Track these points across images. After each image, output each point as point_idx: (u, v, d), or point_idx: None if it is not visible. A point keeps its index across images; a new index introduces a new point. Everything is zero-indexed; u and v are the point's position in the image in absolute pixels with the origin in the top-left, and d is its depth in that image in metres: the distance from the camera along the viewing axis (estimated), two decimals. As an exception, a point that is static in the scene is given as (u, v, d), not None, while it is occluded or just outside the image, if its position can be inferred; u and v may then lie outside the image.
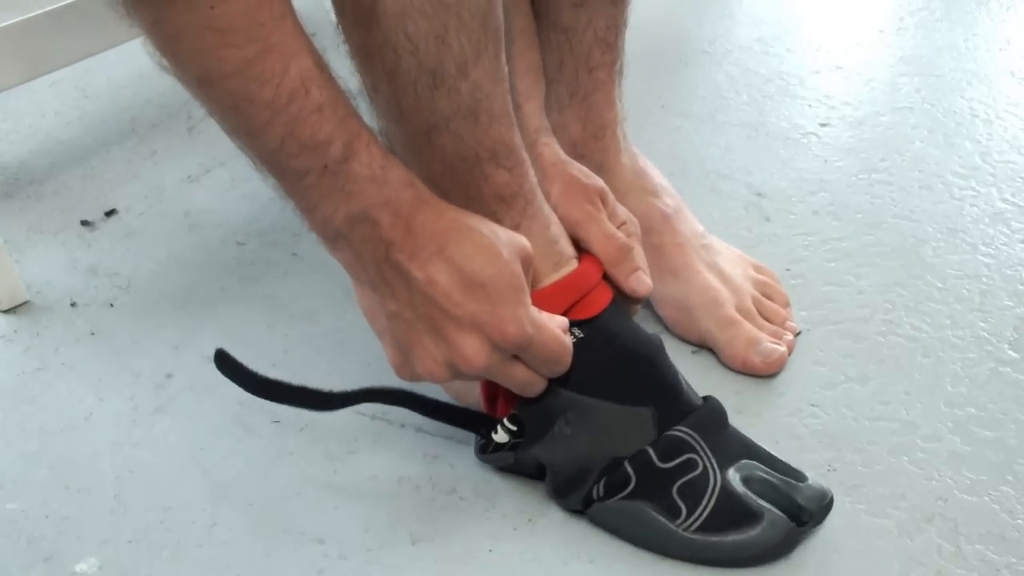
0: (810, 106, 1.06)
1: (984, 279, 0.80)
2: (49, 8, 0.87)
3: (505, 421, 0.61)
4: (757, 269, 0.78)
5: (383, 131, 0.57)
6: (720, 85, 1.11)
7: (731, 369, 0.72)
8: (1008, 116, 1.02)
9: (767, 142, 1.00)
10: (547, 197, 0.64)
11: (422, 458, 0.66)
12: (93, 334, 0.79)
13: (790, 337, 0.73)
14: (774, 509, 0.58)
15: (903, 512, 0.61)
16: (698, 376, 0.71)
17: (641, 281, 0.64)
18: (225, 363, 0.61)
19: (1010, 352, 0.73)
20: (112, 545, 0.62)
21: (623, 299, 0.65)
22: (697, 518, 0.58)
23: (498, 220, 0.58)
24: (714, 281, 0.74)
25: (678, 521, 0.58)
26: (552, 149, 0.69)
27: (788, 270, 0.81)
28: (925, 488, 0.63)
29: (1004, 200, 0.89)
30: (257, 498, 0.64)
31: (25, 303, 0.82)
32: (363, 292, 0.58)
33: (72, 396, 0.73)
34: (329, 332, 0.75)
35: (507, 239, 0.56)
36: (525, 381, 0.58)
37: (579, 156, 0.76)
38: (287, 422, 0.70)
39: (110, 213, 0.93)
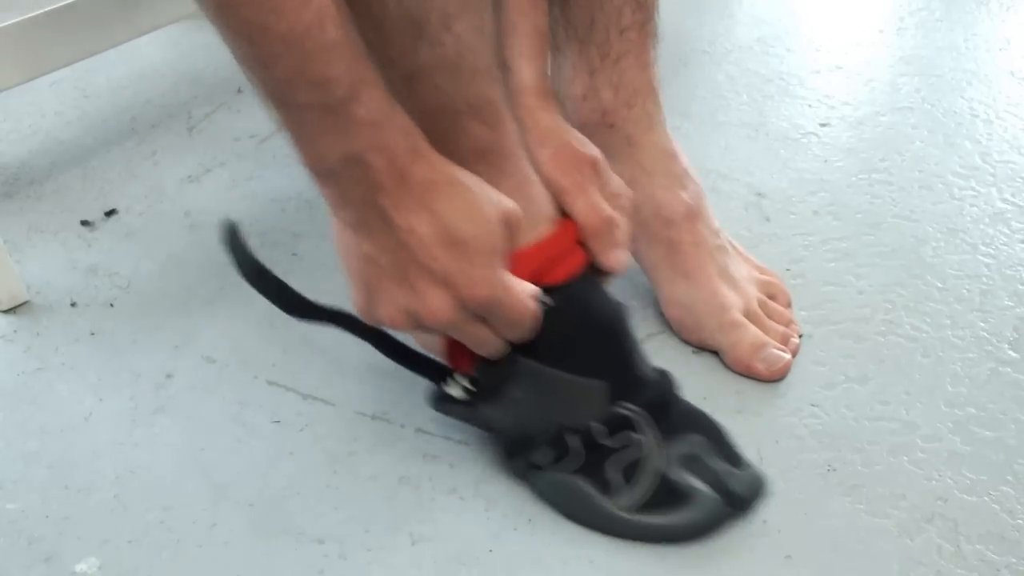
0: (810, 106, 1.06)
1: (984, 279, 0.80)
2: (49, 8, 0.87)
3: (460, 377, 0.62)
4: (760, 270, 0.78)
5: None
6: (720, 85, 1.11)
7: (735, 373, 0.72)
8: (1008, 116, 1.02)
9: (767, 142, 1.00)
10: (537, 163, 0.64)
11: (422, 458, 0.66)
12: (93, 334, 0.79)
13: (796, 340, 0.73)
14: (708, 492, 0.59)
15: (903, 512, 0.61)
16: (699, 376, 0.72)
17: (618, 259, 0.64)
18: (232, 241, 0.61)
19: (1010, 352, 0.73)
20: (112, 545, 0.62)
21: (597, 270, 0.64)
22: (631, 496, 0.60)
23: (477, 173, 0.58)
24: (723, 287, 0.73)
25: (611, 498, 0.60)
26: (551, 115, 0.67)
27: (788, 270, 0.81)
28: (925, 488, 0.63)
29: (1004, 200, 0.89)
30: (257, 498, 0.64)
31: (25, 303, 0.82)
32: (341, 230, 0.57)
33: (72, 396, 0.73)
34: (329, 332, 0.75)
35: (496, 201, 0.56)
36: (485, 341, 0.59)
37: (608, 126, 0.74)
38: (287, 422, 0.70)
39: (110, 213, 0.93)
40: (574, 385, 0.61)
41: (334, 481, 0.65)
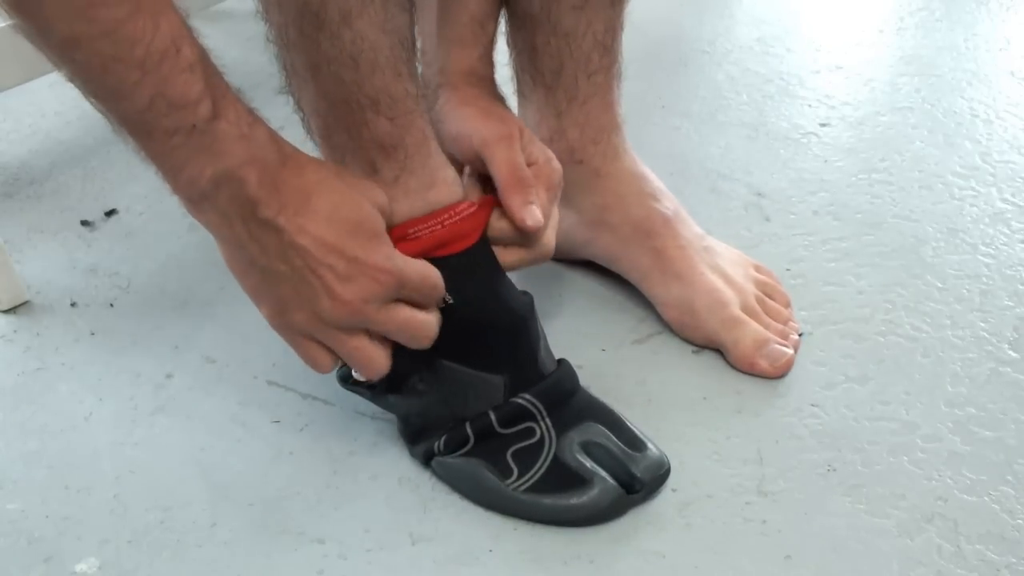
0: (810, 106, 1.06)
1: (984, 279, 0.80)
2: (49, 8, 0.87)
3: None
4: (757, 269, 0.78)
5: (279, 57, 0.59)
6: (720, 85, 1.11)
7: (738, 370, 0.72)
8: (1008, 116, 1.02)
9: (767, 142, 1.00)
10: (461, 118, 0.64)
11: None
12: (93, 334, 0.79)
13: (796, 337, 0.73)
14: (606, 476, 0.61)
15: (903, 512, 0.61)
16: (699, 376, 0.72)
17: (532, 214, 0.63)
18: None
19: (1010, 352, 0.73)
20: (112, 545, 0.62)
21: (515, 237, 0.64)
22: (528, 480, 0.61)
23: (376, 169, 0.60)
24: (718, 282, 0.74)
25: (508, 481, 0.61)
26: (478, 89, 0.68)
27: (788, 270, 0.81)
28: (925, 488, 0.63)
29: (1004, 200, 0.89)
30: (257, 498, 0.64)
31: (25, 303, 0.82)
32: (230, 252, 0.58)
33: (72, 396, 0.73)
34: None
35: (362, 189, 0.57)
36: (409, 321, 0.59)
37: (577, 162, 0.75)
38: (287, 422, 0.70)
39: (110, 213, 0.93)
40: (475, 380, 0.63)
41: (334, 481, 0.65)
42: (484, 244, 0.63)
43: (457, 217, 0.61)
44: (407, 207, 0.60)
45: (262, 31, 0.59)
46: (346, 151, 0.60)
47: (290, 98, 0.61)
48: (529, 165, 0.64)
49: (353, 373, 0.65)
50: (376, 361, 0.60)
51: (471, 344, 0.62)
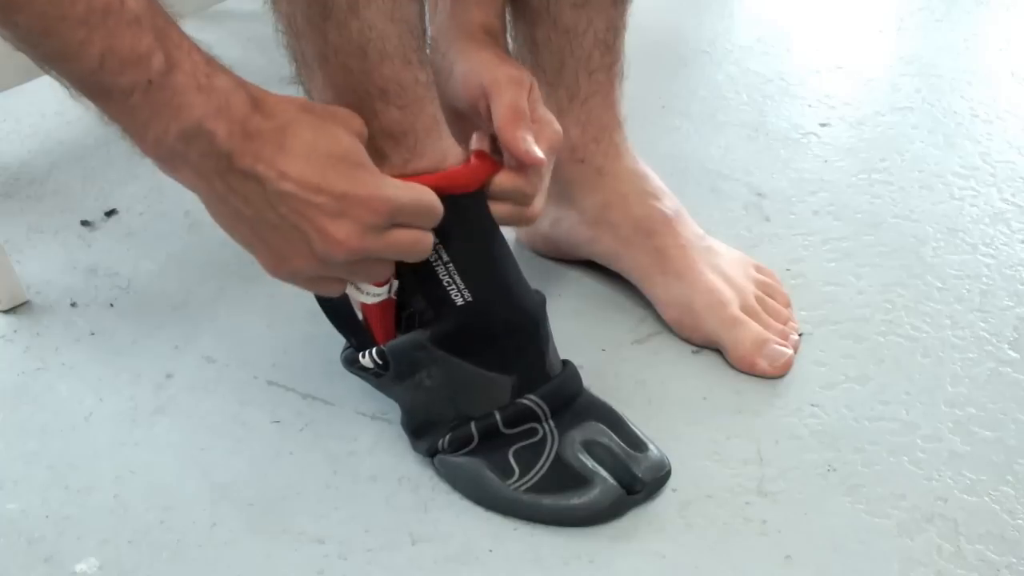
0: (810, 106, 1.06)
1: (984, 279, 0.80)
2: (49, 8, 0.87)
3: (374, 353, 0.63)
4: (758, 269, 0.78)
5: (288, 46, 0.58)
6: (720, 85, 1.11)
7: (738, 370, 0.72)
8: (1008, 116, 1.02)
9: (767, 142, 1.00)
10: (477, 63, 0.63)
11: (422, 458, 0.66)
12: (93, 334, 0.79)
13: (796, 337, 0.73)
14: (607, 476, 0.61)
15: (903, 512, 0.61)
16: (698, 376, 0.72)
17: (530, 146, 0.61)
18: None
19: (1010, 352, 0.73)
20: (112, 545, 0.62)
21: (511, 192, 0.63)
22: (529, 480, 0.61)
23: (386, 156, 0.59)
24: (718, 282, 0.74)
25: (510, 481, 0.61)
26: (503, 44, 0.68)
27: (788, 270, 0.81)
28: (925, 488, 0.63)
29: (1004, 200, 0.89)
30: (257, 498, 0.64)
31: (25, 303, 0.82)
32: (215, 208, 0.56)
33: (72, 396, 0.73)
34: (329, 332, 0.74)
35: (338, 119, 0.55)
36: (409, 242, 0.58)
37: (578, 161, 0.75)
38: (287, 422, 0.70)
39: (110, 213, 0.93)
40: (484, 379, 0.62)
41: (334, 481, 0.65)
42: (481, 196, 0.62)
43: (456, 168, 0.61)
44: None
45: (262, 31, 0.59)
46: None
47: (300, 88, 0.60)
48: (532, 122, 0.63)
49: (360, 358, 0.64)
50: (382, 273, 0.59)
51: (484, 343, 0.62)
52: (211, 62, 0.52)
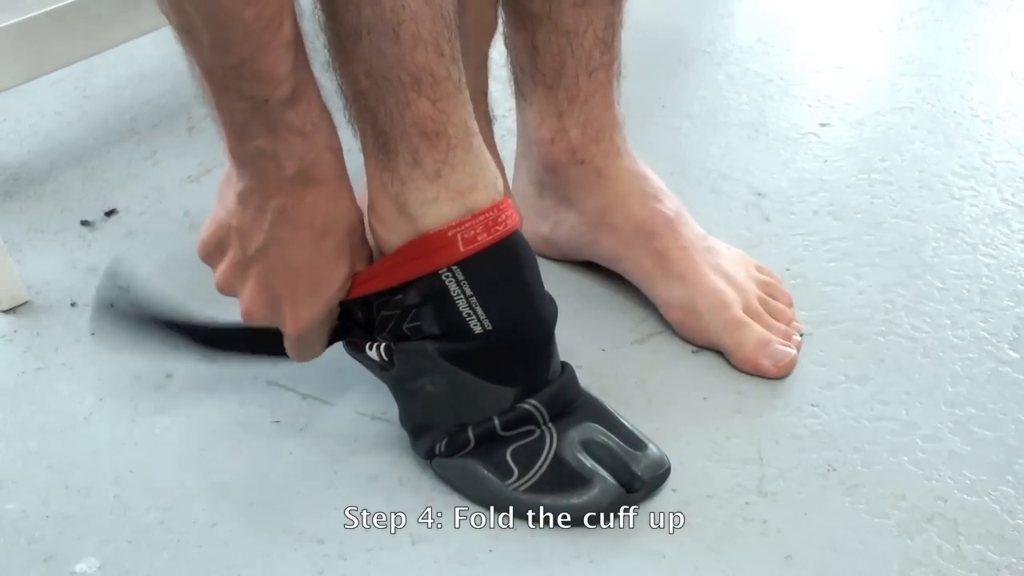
0: (810, 106, 1.06)
1: (984, 279, 0.80)
2: (49, 8, 0.87)
3: (382, 348, 0.63)
4: (759, 269, 0.78)
5: (323, 25, 0.58)
6: (720, 85, 1.11)
7: (741, 371, 0.72)
8: (1008, 116, 1.02)
9: (767, 142, 1.00)
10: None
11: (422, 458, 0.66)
12: (93, 334, 0.79)
13: (798, 337, 0.73)
14: (606, 476, 0.61)
15: (903, 512, 0.61)
16: (698, 376, 0.72)
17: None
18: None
19: (1010, 352, 0.73)
20: (112, 545, 0.62)
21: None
22: (528, 479, 0.61)
23: (419, 159, 0.58)
24: (720, 283, 0.73)
25: (509, 481, 0.61)
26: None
27: (788, 270, 0.81)
28: (925, 488, 0.63)
29: (1004, 200, 0.89)
30: (257, 498, 0.64)
31: (25, 303, 0.82)
32: (230, 188, 0.59)
33: (72, 396, 0.73)
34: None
35: (349, 254, 0.60)
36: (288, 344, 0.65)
37: (579, 163, 0.75)
38: (287, 422, 0.70)
39: (110, 213, 0.93)
40: (487, 390, 0.62)
41: (334, 481, 0.65)
42: (518, 235, 0.62)
43: (498, 214, 0.61)
44: (446, 208, 0.59)
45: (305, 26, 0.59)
46: (388, 137, 0.58)
47: (333, 79, 0.60)
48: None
49: (367, 349, 0.64)
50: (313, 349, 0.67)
51: (495, 361, 0.62)
52: (323, 112, 0.55)
